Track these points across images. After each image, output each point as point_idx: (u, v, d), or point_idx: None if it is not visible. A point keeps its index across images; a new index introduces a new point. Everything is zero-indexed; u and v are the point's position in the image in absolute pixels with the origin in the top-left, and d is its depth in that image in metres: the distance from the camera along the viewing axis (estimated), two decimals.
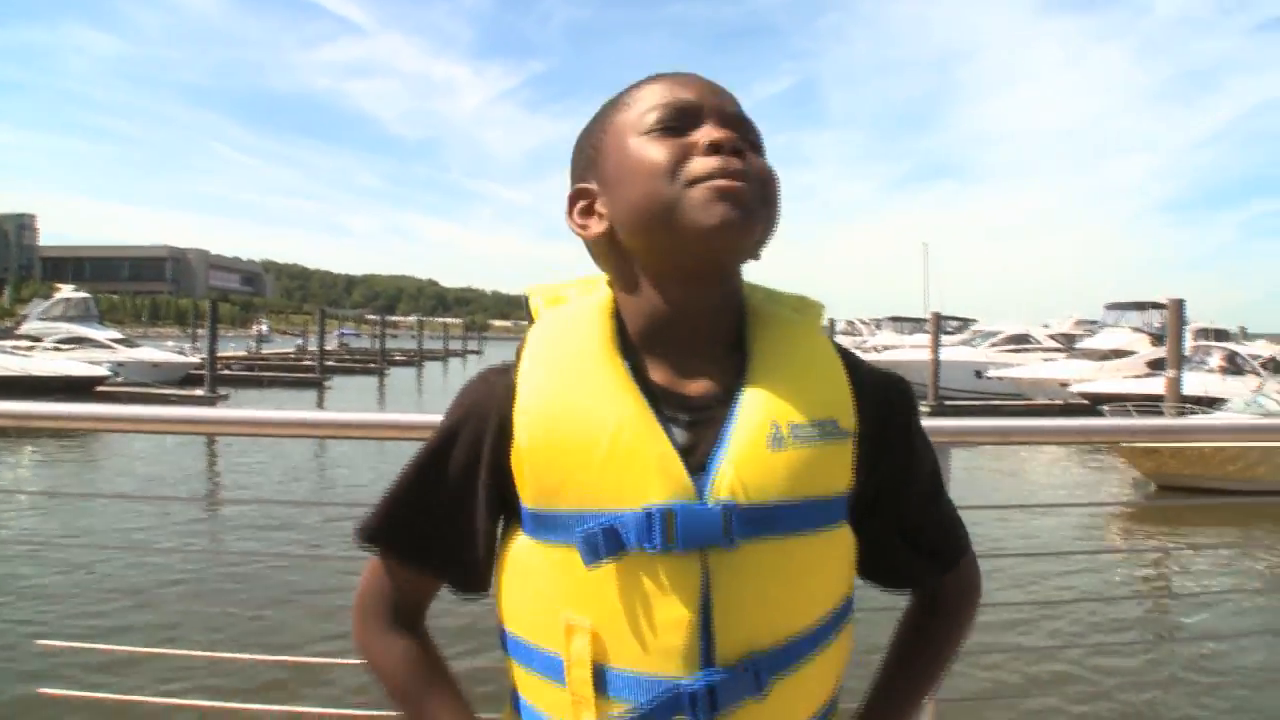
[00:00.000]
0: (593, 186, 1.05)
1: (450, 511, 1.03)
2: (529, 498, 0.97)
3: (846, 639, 1.05)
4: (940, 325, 31.60)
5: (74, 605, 7.46)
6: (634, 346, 1.01)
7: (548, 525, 0.96)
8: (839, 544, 1.01)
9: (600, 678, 0.94)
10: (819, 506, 0.97)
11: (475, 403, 1.03)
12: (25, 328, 36.23)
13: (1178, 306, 23.07)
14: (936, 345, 30.44)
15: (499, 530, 1.03)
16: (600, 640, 0.93)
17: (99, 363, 28.40)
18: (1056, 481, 17.04)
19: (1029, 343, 36.50)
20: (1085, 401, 25.02)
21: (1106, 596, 8.81)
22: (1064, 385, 27.75)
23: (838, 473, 0.99)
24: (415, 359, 59.70)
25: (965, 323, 46.29)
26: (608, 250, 1.04)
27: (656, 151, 0.98)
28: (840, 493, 1.00)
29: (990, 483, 15.93)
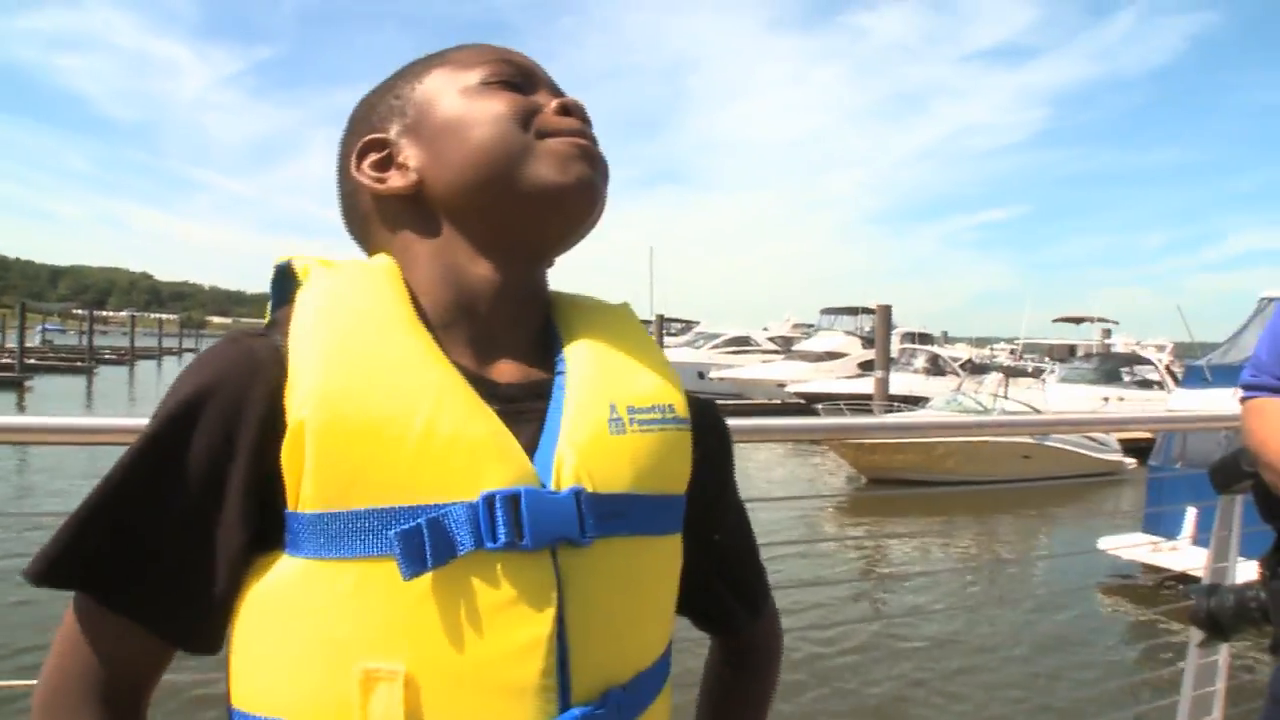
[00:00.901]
0: (391, 136, 0.87)
1: (183, 531, 0.72)
2: (312, 498, 0.70)
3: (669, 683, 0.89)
4: (664, 327, 32.65)
5: None
6: (429, 326, 0.80)
7: (339, 533, 0.70)
8: (676, 556, 0.87)
9: None
10: (663, 504, 0.83)
11: (224, 372, 0.73)
12: None
13: (885, 312, 25.03)
14: (660, 346, 31.22)
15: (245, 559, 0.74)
16: (415, 691, 0.69)
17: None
18: (775, 478, 18.04)
19: (749, 345, 37.95)
20: (801, 401, 26.44)
21: (825, 580, 9.45)
22: (781, 385, 29.28)
23: (678, 467, 0.86)
24: (127, 357, 56.20)
25: (689, 325, 47.84)
26: (404, 212, 0.86)
27: (502, 100, 0.84)
28: (678, 493, 0.86)
29: None
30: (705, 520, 0.91)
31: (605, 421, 0.80)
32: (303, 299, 0.77)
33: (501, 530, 0.71)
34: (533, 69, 0.89)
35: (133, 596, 0.73)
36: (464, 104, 0.85)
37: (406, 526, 0.69)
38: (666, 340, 32.91)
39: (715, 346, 37.53)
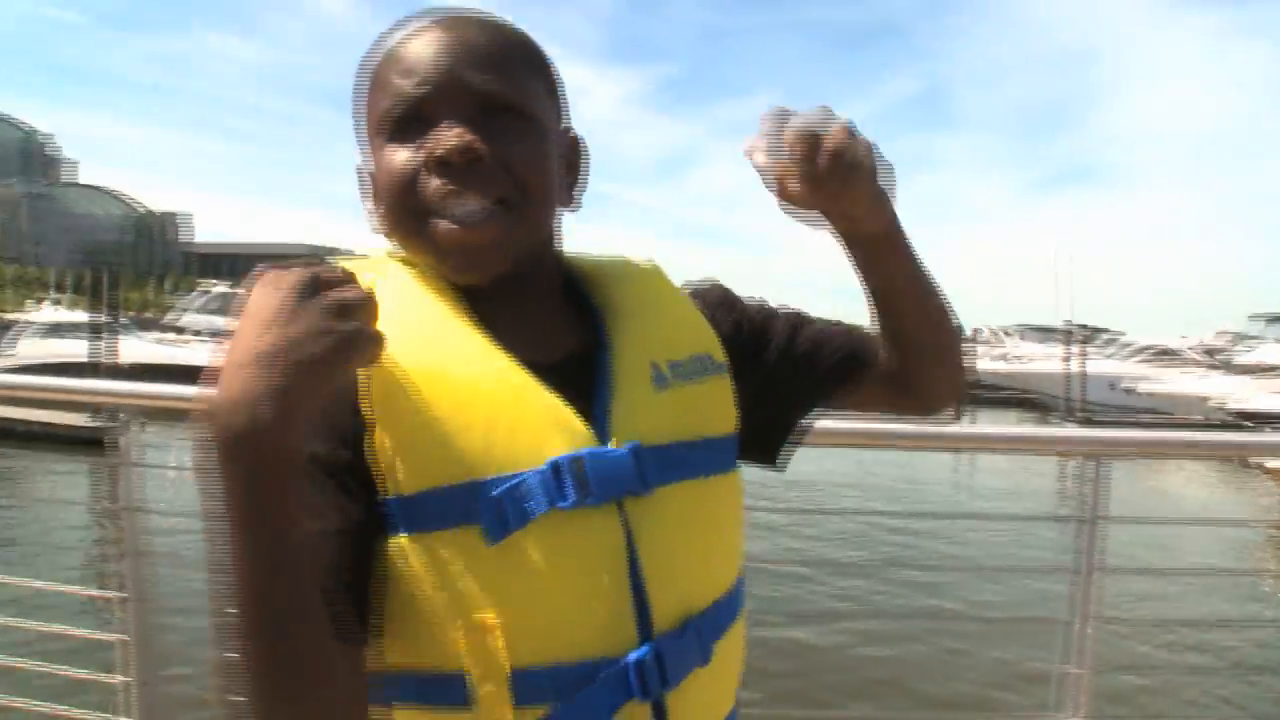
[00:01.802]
0: (362, 169, 0.94)
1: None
2: (400, 482, 0.78)
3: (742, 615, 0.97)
4: (1076, 336, 30.89)
5: None
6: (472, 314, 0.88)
7: (429, 509, 0.78)
8: (737, 492, 0.96)
9: (522, 683, 0.78)
10: (715, 447, 0.92)
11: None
12: (185, 320, 38.34)
13: None
14: (1079, 356, 29.94)
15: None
16: (514, 636, 0.78)
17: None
18: (1203, 502, 16.59)
19: (1173, 356, 35.15)
20: (1239, 420, 24.09)
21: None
22: (1207, 401, 26.61)
23: (723, 410, 0.95)
24: None
25: (1096, 332, 44.98)
26: None
27: (391, 166, 0.86)
28: (729, 433, 0.95)
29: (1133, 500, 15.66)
30: (761, 360, 1.05)
31: (649, 379, 0.89)
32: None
33: (571, 490, 0.79)
34: (430, 92, 0.85)
35: None
36: (377, 164, 0.89)
37: (487, 497, 0.78)
38: (1082, 349, 30.98)
39: (1136, 357, 35.17)
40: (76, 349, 24.51)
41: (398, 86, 0.86)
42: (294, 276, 0.69)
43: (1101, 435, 2.23)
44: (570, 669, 0.79)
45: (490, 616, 0.77)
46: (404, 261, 0.91)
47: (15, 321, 30.66)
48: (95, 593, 2.70)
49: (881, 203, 0.94)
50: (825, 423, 2.13)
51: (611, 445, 0.84)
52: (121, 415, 2.46)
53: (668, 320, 0.97)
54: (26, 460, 15.70)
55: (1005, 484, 16.96)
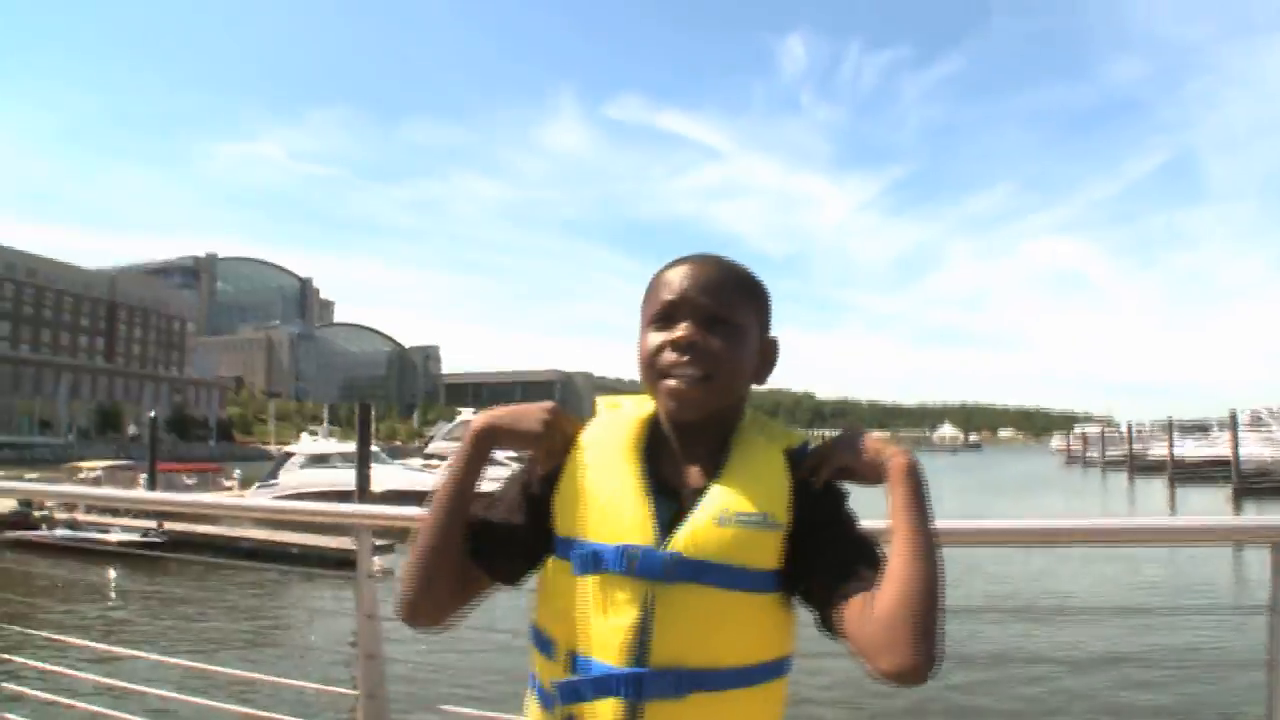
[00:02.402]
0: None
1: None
2: (559, 525, 1.40)
3: (776, 691, 1.38)
4: None
5: None
6: (659, 448, 1.44)
7: (564, 547, 1.38)
8: (765, 609, 1.35)
9: (571, 659, 1.35)
10: (745, 573, 1.32)
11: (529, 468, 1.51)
12: (431, 447, 40.70)
13: None
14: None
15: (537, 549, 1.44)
16: (575, 633, 1.34)
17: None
18: None
19: None
20: None
21: None
22: None
23: (765, 552, 1.34)
24: None
25: None
26: None
27: (646, 343, 1.43)
28: (766, 568, 1.35)
29: None
30: (812, 562, 1.36)
31: (715, 519, 1.34)
32: (588, 427, 1.49)
33: (622, 564, 1.32)
34: (675, 305, 1.42)
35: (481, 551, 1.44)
36: (641, 340, 1.46)
37: (584, 551, 1.35)
38: None
39: None
40: (333, 478, 26.11)
41: (660, 298, 1.43)
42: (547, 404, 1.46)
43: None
44: (594, 663, 1.33)
45: (570, 615, 1.35)
46: (642, 403, 1.51)
47: (289, 453, 32.89)
48: (330, 688, 2.94)
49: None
50: (1015, 522, 2.19)
51: (662, 550, 1.32)
52: (362, 534, 2.71)
53: (754, 482, 1.39)
54: (295, 577, 16.78)
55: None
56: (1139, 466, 58.31)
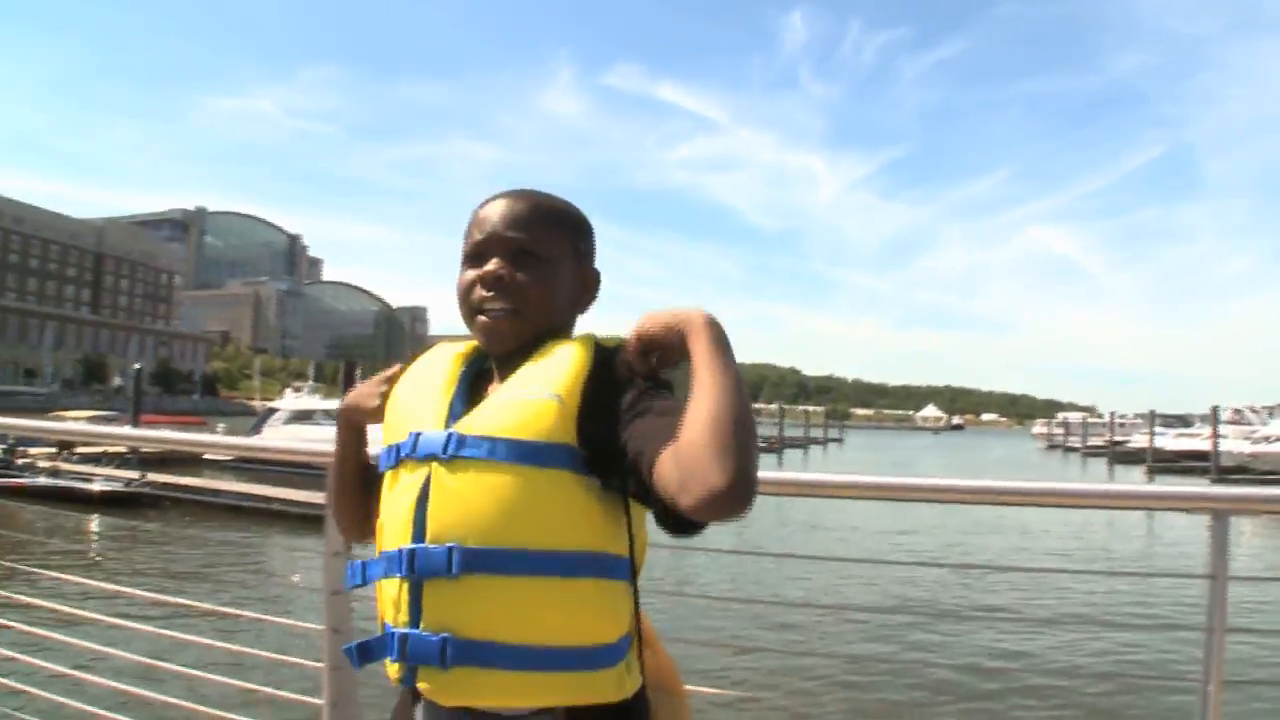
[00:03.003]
0: None
1: None
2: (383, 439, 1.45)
3: (592, 592, 1.29)
4: None
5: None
6: (483, 379, 1.46)
7: (385, 455, 1.41)
8: (557, 489, 1.28)
9: (380, 558, 1.36)
10: (520, 444, 1.28)
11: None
12: None
13: None
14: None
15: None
16: (381, 531, 1.38)
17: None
18: None
19: None
20: None
21: None
22: None
23: (543, 423, 1.29)
24: (777, 446, 59.51)
25: None
26: None
27: (462, 281, 1.45)
28: (552, 439, 1.29)
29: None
30: (615, 434, 1.28)
31: (499, 400, 1.35)
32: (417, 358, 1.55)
33: (411, 448, 1.35)
34: (484, 241, 1.44)
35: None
36: (458, 276, 1.48)
37: (388, 450, 1.40)
38: None
39: None
40: (315, 434, 26.15)
41: (472, 235, 1.46)
42: (387, 371, 1.58)
43: (1229, 492, 2.24)
44: (385, 553, 1.35)
45: (381, 519, 1.39)
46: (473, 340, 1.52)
47: (273, 409, 32.96)
48: (300, 624, 3.08)
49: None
50: (955, 481, 2.28)
51: (448, 430, 1.33)
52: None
53: (538, 366, 1.37)
54: (275, 529, 16.94)
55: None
56: (1119, 455, 58.46)
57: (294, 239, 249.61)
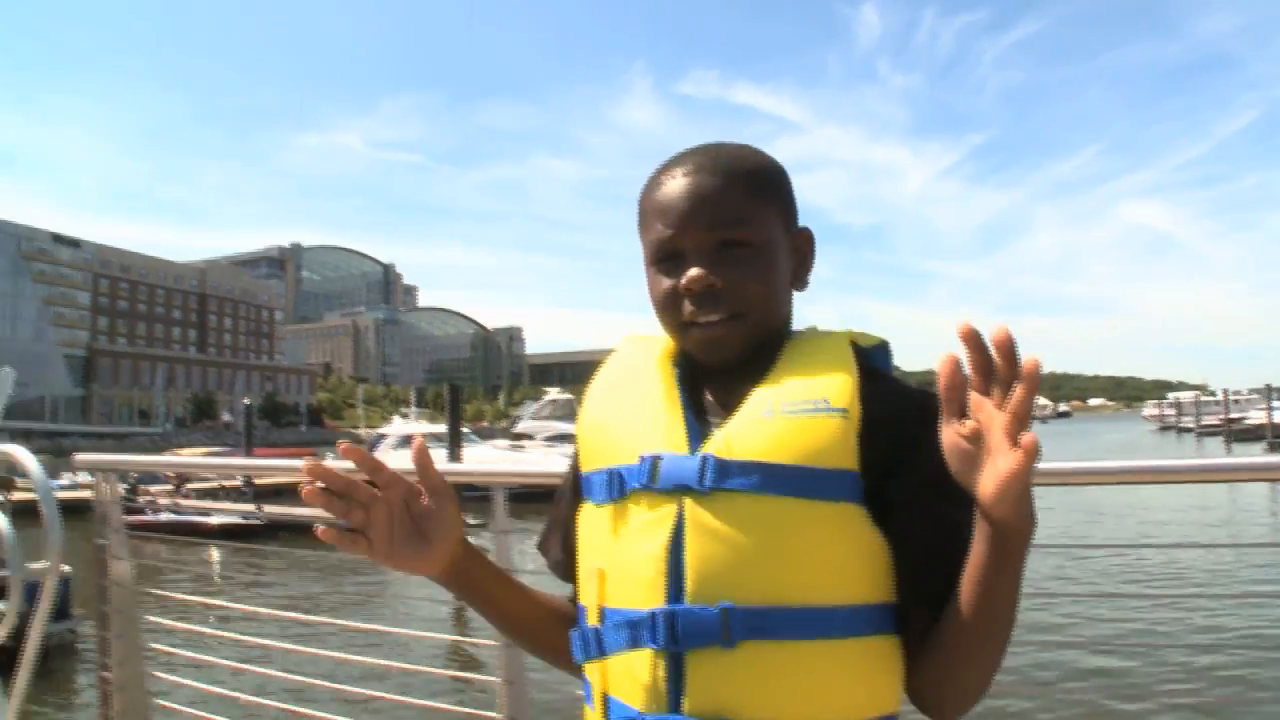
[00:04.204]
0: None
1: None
2: (581, 466, 1.17)
3: (875, 652, 1.02)
4: None
5: None
6: (699, 380, 1.16)
7: (587, 485, 1.13)
8: (842, 527, 1.01)
9: (602, 618, 1.05)
10: (803, 474, 1.00)
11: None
12: (519, 426, 41.15)
13: None
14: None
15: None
16: (604, 581, 1.05)
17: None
18: None
19: None
20: None
21: None
22: None
23: (828, 443, 1.01)
24: None
25: None
26: None
27: (658, 290, 1.14)
28: (834, 466, 1.01)
29: None
30: (884, 489, 1.02)
31: (759, 413, 1.05)
32: (607, 362, 1.25)
33: (645, 475, 1.04)
34: (679, 244, 1.12)
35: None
36: (648, 277, 1.17)
37: (603, 475, 1.09)
38: None
39: None
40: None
41: (658, 230, 1.14)
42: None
43: None
44: (620, 613, 1.03)
45: (598, 563, 1.07)
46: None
47: (382, 435, 33.63)
48: (468, 639, 3.01)
49: (1024, 508, 0.91)
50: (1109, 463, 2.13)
51: (699, 453, 1.04)
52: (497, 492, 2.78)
53: (804, 374, 1.09)
54: None
55: None
56: (1236, 433, 56.90)
57: (387, 268, 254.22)
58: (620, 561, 1.04)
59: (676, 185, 1.13)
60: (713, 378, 1.15)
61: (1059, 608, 10.22)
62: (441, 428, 30.34)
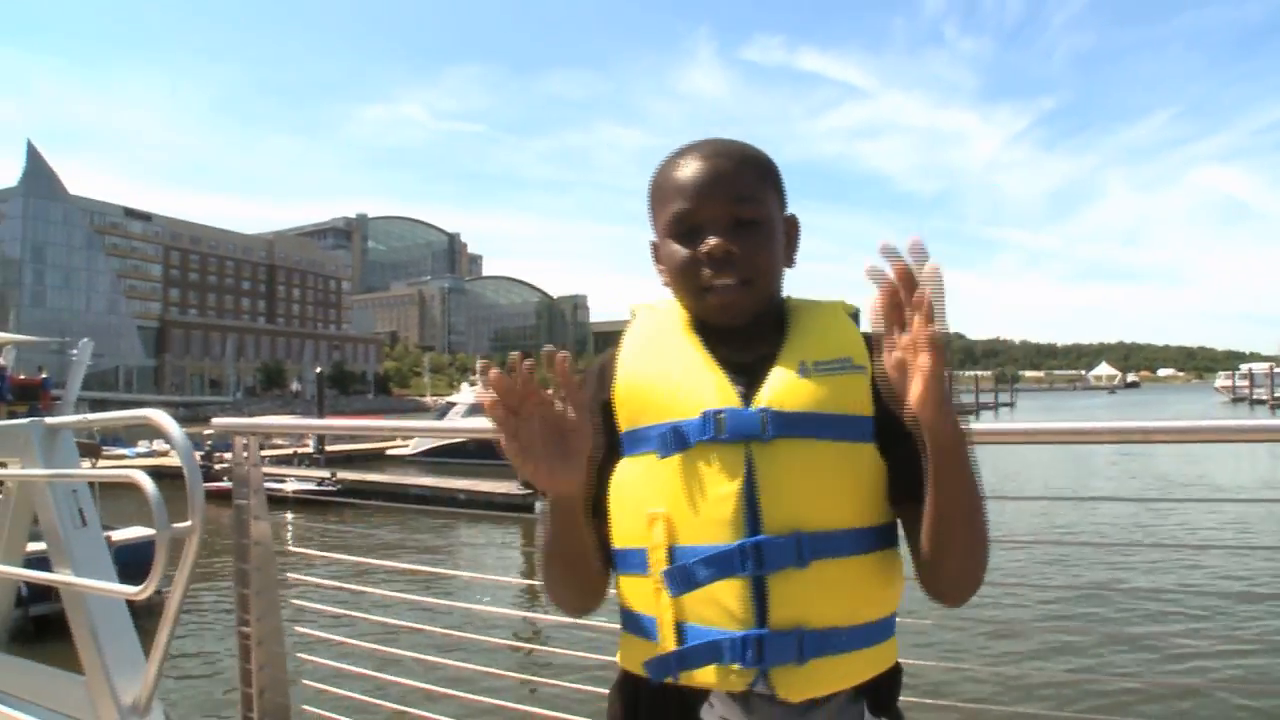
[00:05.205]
0: (655, 239, 1.39)
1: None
2: (623, 422, 1.29)
3: (891, 567, 1.27)
4: None
5: None
6: (710, 338, 1.31)
7: (636, 440, 1.27)
8: (866, 459, 1.24)
9: (672, 557, 1.20)
10: (841, 420, 1.23)
11: (594, 369, 1.37)
12: None
13: None
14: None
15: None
16: (672, 524, 1.21)
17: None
18: None
19: None
20: None
21: None
22: None
23: (855, 396, 1.25)
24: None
25: None
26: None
27: (677, 258, 1.30)
28: (861, 413, 1.25)
29: None
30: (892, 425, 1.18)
31: (796, 370, 1.26)
32: (630, 327, 1.40)
33: (710, 430, 1.21)
34: (695, 216, 1.29)
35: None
36: (663, 250, 1.35)
37: (662, 430, 1.24)
38: None
39: None
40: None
41: (678, 205, 1.31)
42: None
43: None
44: (700, 549, 1.20)
45: (659, 508, 1.22)
46: (676, 304, 1.38)
47: (451, 403, 34.00)
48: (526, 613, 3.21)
49: (946, 411, 1.09)
50: (1097, 422, 2.19)
51: (751, 408, 1.23)
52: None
53: (825, 336, 1.32)
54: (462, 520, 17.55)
55: None
56: None
57: (452, 237, 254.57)
58: (693, 505, 1.21)
59: (695, 166, 1.31)
60: (723, 338, 1.31)
61: None
62: None
